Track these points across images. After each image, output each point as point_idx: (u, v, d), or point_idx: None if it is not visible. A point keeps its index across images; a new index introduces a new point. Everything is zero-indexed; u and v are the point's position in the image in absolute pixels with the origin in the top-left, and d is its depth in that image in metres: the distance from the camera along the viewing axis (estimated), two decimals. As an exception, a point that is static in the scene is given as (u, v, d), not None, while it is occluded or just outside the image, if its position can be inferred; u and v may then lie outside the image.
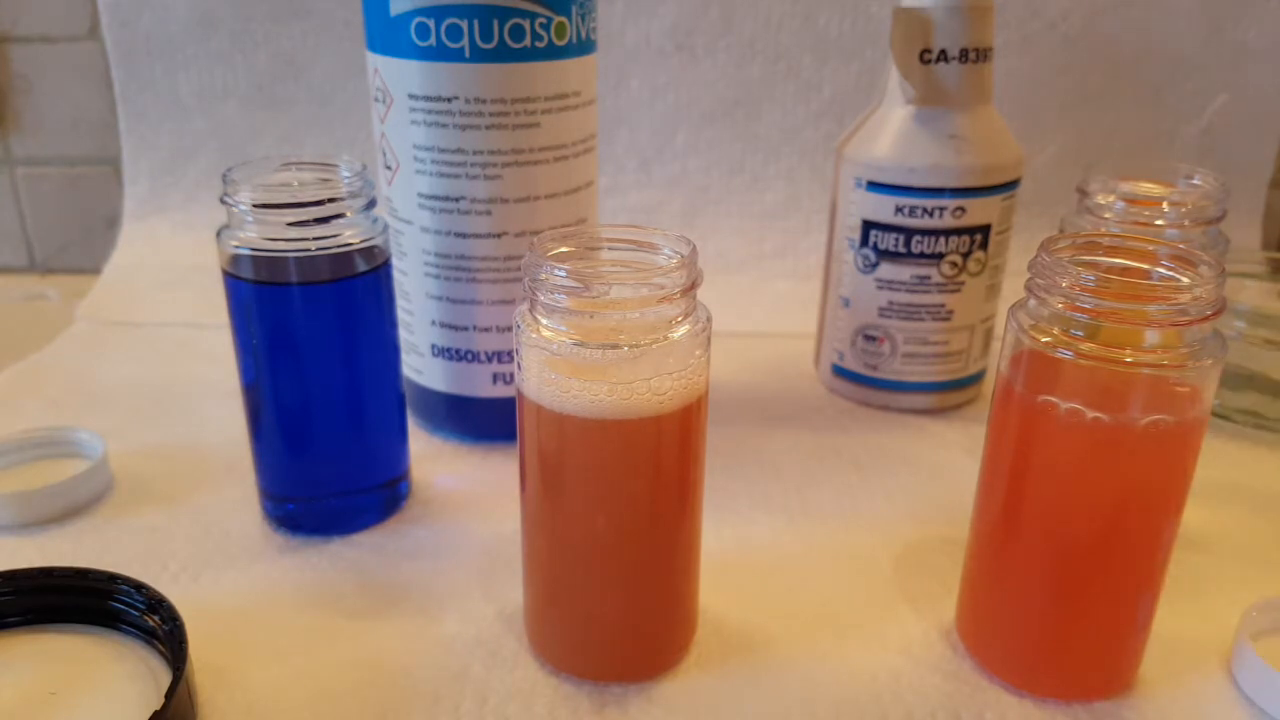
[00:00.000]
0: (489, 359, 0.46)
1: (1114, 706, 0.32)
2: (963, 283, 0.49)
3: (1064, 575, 0.31)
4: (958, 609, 0.36)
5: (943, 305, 0.50)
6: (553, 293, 0.29)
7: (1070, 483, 0.30)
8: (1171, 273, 0.30)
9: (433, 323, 0.46)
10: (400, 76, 0.42)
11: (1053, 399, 0.29)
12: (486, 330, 0.45)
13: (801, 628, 0.36)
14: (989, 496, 0.33)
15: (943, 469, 0.47)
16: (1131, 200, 0.45)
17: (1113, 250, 0.31)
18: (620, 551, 0.32)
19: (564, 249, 0.31)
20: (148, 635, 0.34)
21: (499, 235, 0.44)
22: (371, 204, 0.38)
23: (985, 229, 0.48)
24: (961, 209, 0.48)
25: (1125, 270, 0.30)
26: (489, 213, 0.43)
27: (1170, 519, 0.30)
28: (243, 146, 0.70)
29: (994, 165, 0.48)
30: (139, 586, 0.34)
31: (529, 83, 0.41)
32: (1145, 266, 0.30)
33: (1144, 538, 0.30)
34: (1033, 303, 0.30)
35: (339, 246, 0.37)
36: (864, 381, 0.53)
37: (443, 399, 0.48)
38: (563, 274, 0.28)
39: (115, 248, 0.72)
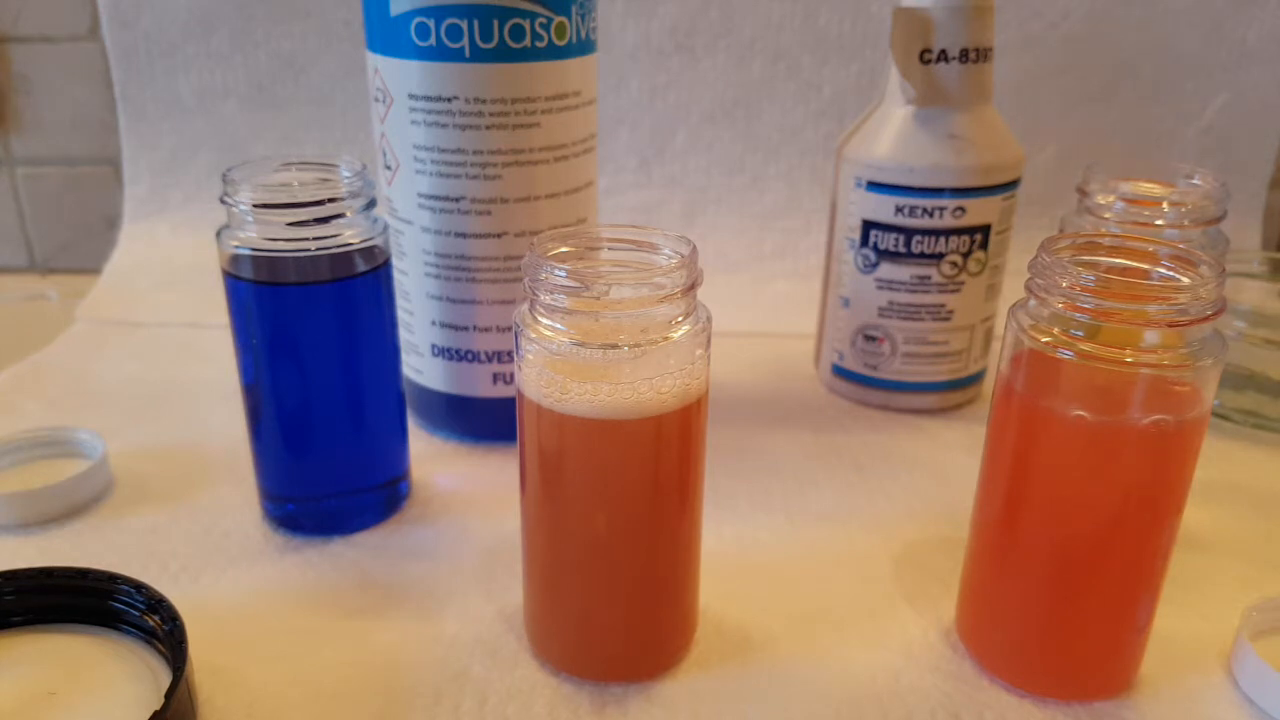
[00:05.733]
0: (489, 359, 0.46)
1: (1114, 706, 0.32)
2: (963, 283, 0.49)
3: (1064, 575, 0.31)
4: (958, 609, 0.36)
5: (943, 305, 0.50)
6: (553, 293, 0.29)
7: (1070, 483, 0.30)
8: (1171, 273, 0.30)
9: (433, 323, 0.46)
10: (400, 76, 0.42)
11: (1053, 399, 0.29)
12: (486, 330, 0.45)
13: (801, 628, 0.36)
14: (989, 496, 0.33)
15: (943, 469, 0.47)
16: (1131, 200, 0.45)
17: (1113, 250, 0.31)
18: (620, 551, 0.32)
19: (564, 249, 0.31)
20: (148, 635, 0.34)
21: (499, 235, 0.44)
22: (371, 204, 0.38)
23: (985, 229, 0.49)
24: (961, 209, 0.48)
25: (1125, 270, 0.30)
26: (489, 213, 0.43)
27: (1170, 519, 0.30)
28: (243, 146, 0.70)
29: (994, 165, 0.48)
30: (139, 586, 0.34)
31: (529, 83, 0.41)
32: (1145, 266, 0.30)
33: (1144, 538, 0.30)
34: (1033, 303, 0.30)
35: (339, 246, 0.37)
36: (864, 381, 0.53)
37: (443, 399, 0.48)
38: (563, 274, 0.28)
39: (115, 248, 0.72)
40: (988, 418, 0.33)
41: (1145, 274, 0.30)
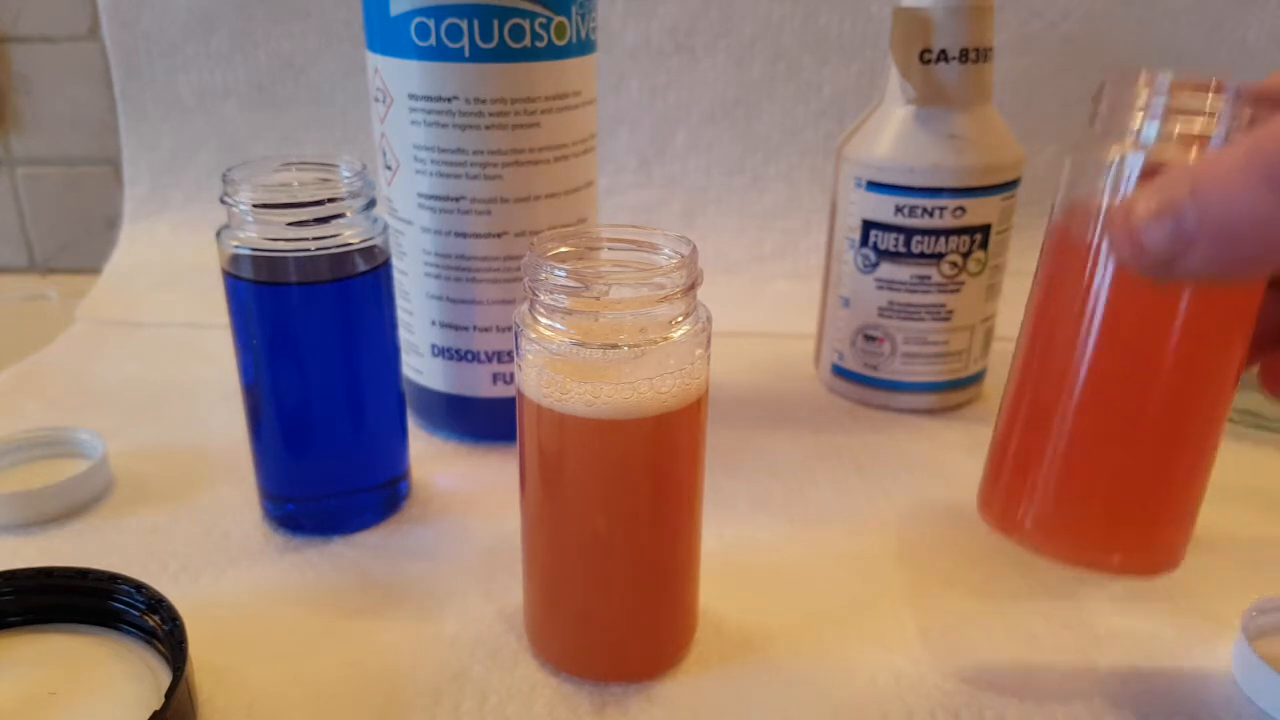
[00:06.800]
0: (489, 359, 0.46)
1: (1113, 705, 0.32)
2: (963, 283, 0.49)
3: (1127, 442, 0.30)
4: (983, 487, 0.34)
5: (943, 305, 0.50)
6: (553, 293, 0.29)
7: (1138, 340, 0.29)
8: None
9: (433, 323, 0.46)
10: (400, 76, 0.42)
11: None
12: (486, 330, 0.45)
13: (801, 628, 0.36)
14: (1043, 363, 0.31)
15: (943, 469, 0.47)
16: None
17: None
18: (620, 551, 0.32)
19: (564, 249, 0.31)
20: (148, 635, 0.34)
21: (499, 235, 0.44)
22: (371, 204, 0.38)
23: (985, 229, 0.49)
24: (961, 209, 0.48)
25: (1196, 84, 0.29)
26: (489, 213, 0.43)
27: (1231, 376, 0.29)
28: (243, 146, 0.70)
29: (994, 165, 0.48)
30: (139, 586, 0.34)
31: (529, 83, 0.41)
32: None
33: (1207, 394, 0.29)
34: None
35: (339, 246, 0.37)
36: (864, 381, 0.53)
37: (443, 399, 0.48)
38: (563, 274, 0.28)
39: (115, 248, 0.72)
40: (1035, 280, 0.31)
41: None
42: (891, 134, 0.48)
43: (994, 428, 0.33)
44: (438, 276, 0.45)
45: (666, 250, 0.30)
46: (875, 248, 0.49)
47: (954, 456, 0.48)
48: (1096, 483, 0.31)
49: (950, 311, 0.50)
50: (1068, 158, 0.30)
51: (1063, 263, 0.30)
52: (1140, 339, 0.29)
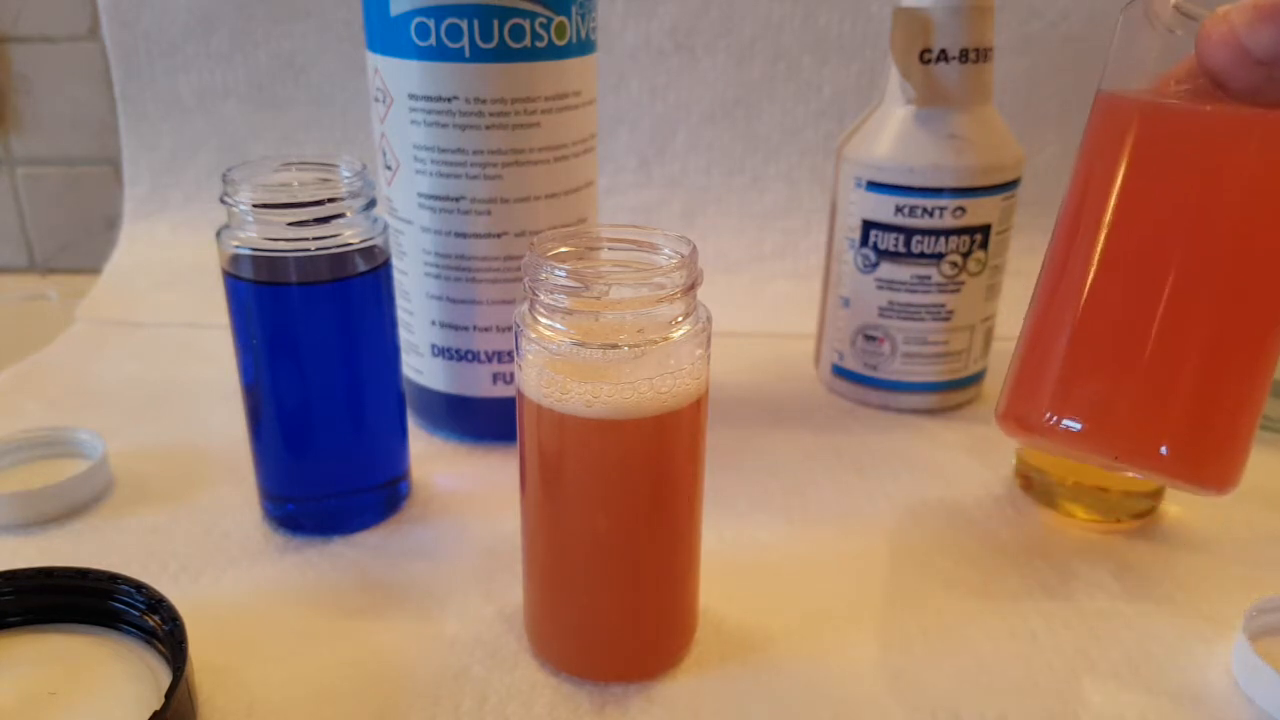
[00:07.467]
0: (489, 359, 0.46)
1: (1114, 706, 0.32)
2: (963, 283, 0.49)
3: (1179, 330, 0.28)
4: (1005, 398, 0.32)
5: (943, 305, 0.50)
6: (553, 293, 0.29)
7: (1198, 208, 0.27)
8: None
9: (433, 323, 0.46)
10: (400, 76, 0.42)
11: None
12: (486, 330, 0.45)
13: (801, 628, 0.36)
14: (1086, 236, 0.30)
15: (943, 469, 0.47)
16: None
17: None
18: (620, 551, 0.32)
19: (564, 249, 0.31)
20: (148, 635, 0.34)
21: (499, 235, 0.44)
22: (371, 204, 0.38)
23: (985, 229, 0.49)
24: (961, 209, 0.48)
25: None
26: (489, 213, 0.43)
27: None
28: (243, 146, 0.71)
29: (994, 165, 0.48)
30: (139, 586, 0.34)
31: (529, 83, 0.41)
32: None
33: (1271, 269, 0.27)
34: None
35: (339, 246, 0.37)
36: (864, 381, 0.53)
37: (443, 399, 0.48)
38: (563, 274, 0.28)
39: (115, 248, 0.72)
40: (1082, 148, 0.30)
41: None
42: (891, 134, 0.48)
43: (1020, 335, 0.31)
44: (438, 276, 0.45)
45: (666, 250, 0.30)
46: (875, 248, 0.49)
47: (954, 456, 0.48)
48: (1145, 368, 0.28)
49: (950, 311, 0.50)
50: (1119, 19, 0.29)
51: (1113, 132, 0.29)
52: (1201, 207, 0.27)
